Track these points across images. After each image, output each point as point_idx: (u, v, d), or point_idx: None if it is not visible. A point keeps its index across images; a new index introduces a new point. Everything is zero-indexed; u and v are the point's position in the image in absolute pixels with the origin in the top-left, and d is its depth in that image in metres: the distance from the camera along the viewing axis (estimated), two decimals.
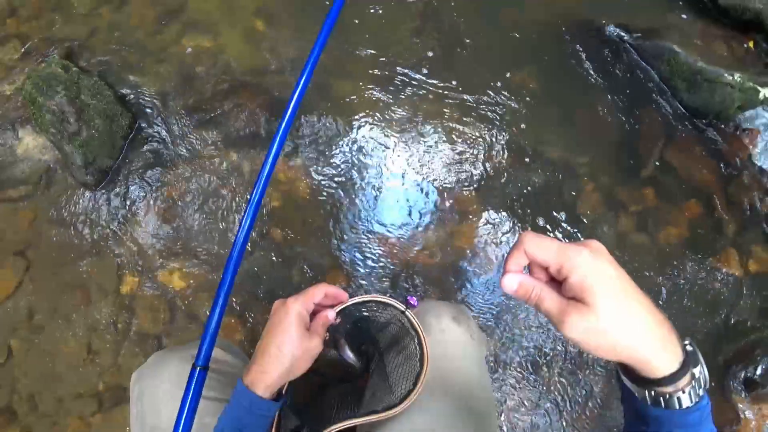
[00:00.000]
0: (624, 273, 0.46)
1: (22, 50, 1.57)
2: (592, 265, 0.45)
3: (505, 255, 0.89)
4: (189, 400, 0.62)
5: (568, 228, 1.51)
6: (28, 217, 1.44)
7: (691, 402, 0.45)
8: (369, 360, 0.83)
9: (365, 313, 0.79)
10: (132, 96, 1.57)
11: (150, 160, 1.52)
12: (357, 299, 0.76)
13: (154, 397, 0.77)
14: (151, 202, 1.49)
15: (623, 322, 0.43)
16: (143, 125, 1.55)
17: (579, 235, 1.51)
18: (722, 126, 1.53)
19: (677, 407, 0.45)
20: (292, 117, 0.73)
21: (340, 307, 0.74)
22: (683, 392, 0.45)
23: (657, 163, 1.57)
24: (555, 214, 1.52)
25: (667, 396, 0.45)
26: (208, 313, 1.37)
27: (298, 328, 0.66)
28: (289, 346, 0.65)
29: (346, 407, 0.78)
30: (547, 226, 1.51)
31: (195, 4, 1.71)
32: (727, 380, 1.39)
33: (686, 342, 0.47)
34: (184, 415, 0.62)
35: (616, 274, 0.45)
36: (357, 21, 1.68)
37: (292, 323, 0.66)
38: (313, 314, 0.72)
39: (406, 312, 0.75)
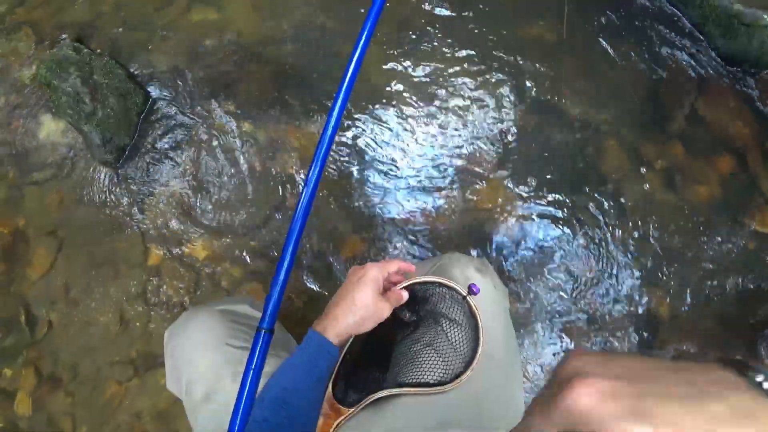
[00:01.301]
0: None
1: (35, 37, 1.60)
2: None
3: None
4: (255, 360, 0.66)
5: (592, 189, 1.45)
6: (55, 199, 1.52)
7: None
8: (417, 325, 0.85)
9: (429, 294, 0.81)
10: (143, 73, 1.59)
11: (165, 135, 1.55)
12: (424, 278, 0.80)
13: (185, 349, 0.82)
14: (170, 176, 1.53)
15: None
16: (156, 101, 1.58)
17: (603, 194, 1.45)
18: (761, 74, 1.39)
19: None
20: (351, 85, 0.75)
21: (407, 283, 0.79)
22: None
23: (686, 117, 1.47)
24: (578, 174, 1.47)
25: None
26: (227, 279, 1.43)
27: (373, 290, 0.71)
28: (363, 302, 0.70)
29: (382, 373, 0.83)
30: (570, 188, 1.46)
31: None
32: (758, 345, 1.35)
33: None
34: (250, 375, 0.66)
35: None
36: None
37: (367, 283, 0.71)
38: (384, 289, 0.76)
39: (468, 298, 0.77)
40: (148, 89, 1.58)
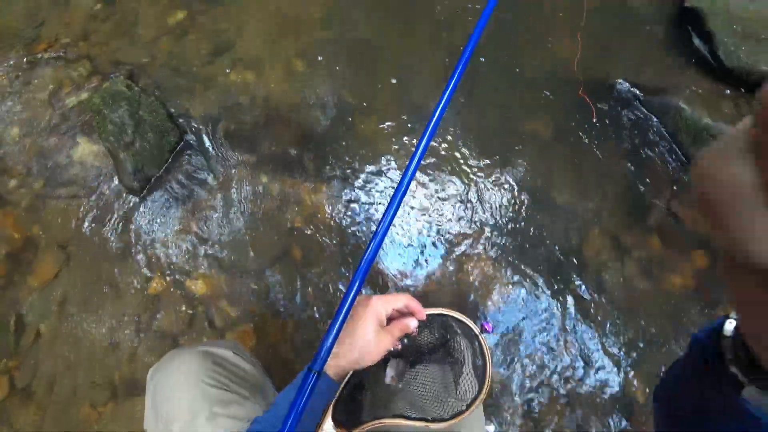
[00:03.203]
0: None
1: (91, 69, 1.78)
2: None
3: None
4: (303, 401, 0.63)
5: (574, 272, 1.56)
6: (74, 215, 1.58)
7: None
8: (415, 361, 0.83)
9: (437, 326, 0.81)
10: (181, 116, 1.75)
11: (190, 174, 1.66)
12: (436, 311, 0.77)
13: (165, 387, 0.83)
14: (187, 212, 1.61)
15: None
16: (188, 142, 1.71)
17: (584, 276, 1.56)
18: None
19: None
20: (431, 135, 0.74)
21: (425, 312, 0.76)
22: None
23: (663, 213, 1.64)
24: (561, 256, 1.58)
25: None
26: (221, 317, 1.46)
27: (374, 324, 0.70)
28: (362, 339, 0.69)
29: (381, 406, 0.80)
30: (554, 268, 1.56)
31: (244, 42, 1.91)
32: None
33: None
34: (292, 415, 0.63)
35: None
36: (388, 64, 1.85)
37: (369, 319, 0.70)
38: (389, 320, 0.75)
39: (480, 336, 0.76)
40: (183, 132, 1.72)
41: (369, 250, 0.65)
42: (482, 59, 1.86)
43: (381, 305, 0.71)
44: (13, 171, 1.63)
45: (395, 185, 1.63)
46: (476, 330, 0.76)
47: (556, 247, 1.59)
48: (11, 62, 1.79)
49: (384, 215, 0.67)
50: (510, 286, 1.53)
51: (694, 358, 0.47)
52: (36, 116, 1.71)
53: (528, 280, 1.54)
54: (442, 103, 0.73)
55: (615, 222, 1.63)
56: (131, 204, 1.60)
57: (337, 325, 0.66)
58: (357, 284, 0.66)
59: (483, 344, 0.76)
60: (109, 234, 1.57)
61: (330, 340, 0.66)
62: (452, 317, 0.78)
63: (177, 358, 0.87)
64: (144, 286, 1.52)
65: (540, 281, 1.54)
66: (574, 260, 1.58)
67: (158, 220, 1.59)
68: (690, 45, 1.82)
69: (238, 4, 1.99)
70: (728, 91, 1.70)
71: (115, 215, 1.59)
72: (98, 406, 1.37)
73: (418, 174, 1.67)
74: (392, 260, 1.56)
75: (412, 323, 0.73)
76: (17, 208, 1.59)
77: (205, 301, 1.51)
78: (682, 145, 1.64)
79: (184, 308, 1.50)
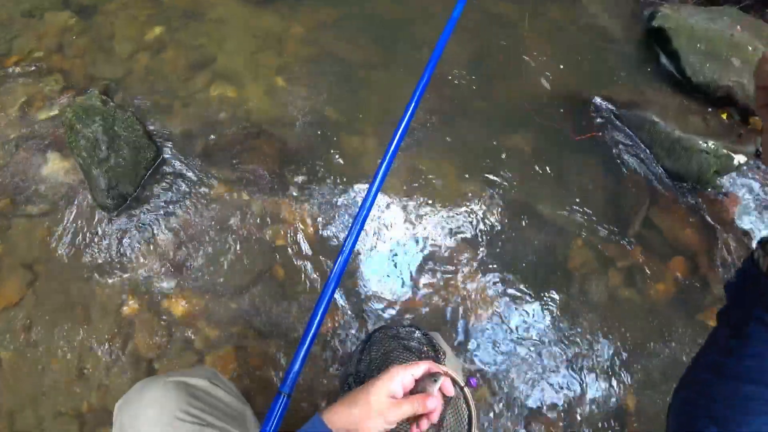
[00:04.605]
0: None
1: (63, 83, 1.71)
2: None
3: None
4: (273, 424, 0.63)
5: (559, 283, 1.56)
6: (42, 233, 1.49)
7: None
8: None
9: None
10: (159, 133, 1.70)
11: (167, 192, 1.60)
12: (435, 368, 0.77)
13: (135, 424, 0.76)
14: (163, 231, 1.54)
15: None
16: (166, 159, 1.66)
17: (569, 287, 1.56)
18: (703, 190, 1.65)
19: None
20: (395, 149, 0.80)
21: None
22: None
23: (643, 223, 1.68)
24: (547, 268, 1.59)
25: None
26: (200, 339, 1.38)
27: (388, 392, 0.67)
28: (376, 406, 0.66)
29: None
30: (540, 281, 1.56)
31: (224, 58, 1.89)
32: None
33: None
34: None
35: None
36: (368, 82, 1.86)
37: (382, 386, 0.67)
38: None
39: (465, 389, 0.76)
40: (161, 148, 1.66)
41: (334, 271, 0.68)
42: (458, 74, 1.90)
43: (401, 378, 0.68)
44: None
45: (383, 202, 1.63)
46: (461, 383, 0.76)
47: (542, 261, 1.60)
48: None
49: (347, 236, 0.70)
50: (495, 301, 1.52)
51: (737, 285, 0.55)
52: (4, 130, 1.62)
53: (514, 293, 1.54)
54: (409, 111, 0.77)
55: (598, 234, 1.66)
56: (105, 222, 1.52)
57: (304, 347, 0.67)
58: (323, 306, 0.69)
59: (468, 396, 0.77)
60: (80, 254, 1.48)
61: (298, 363, 0.66)
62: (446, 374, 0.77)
63: (147, 390, 0.79)
64: (117, 308, 1.43)
65: (526, 293, 1.54)
66: (560, 273, 1.59)
67: (133, 239, 1.52)
68: (658, 62, 1.92)
69: (218, 19, 1.99)
70: (696, 106, 1.79)
71: (88, 234, 1.51)
72: None
73: (400, 189, 1.67)
74: (371, 277, 1.53)
75: (432, 403, 0.67)
76: None
77: (183, 322, 1.43)
78: (658, 157, 1.70)
79: (160, 331, 1.42)
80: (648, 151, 1.73)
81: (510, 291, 1.53)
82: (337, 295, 1.48)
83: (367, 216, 0.77)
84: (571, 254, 1.62)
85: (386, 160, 0.75)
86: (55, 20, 1.87)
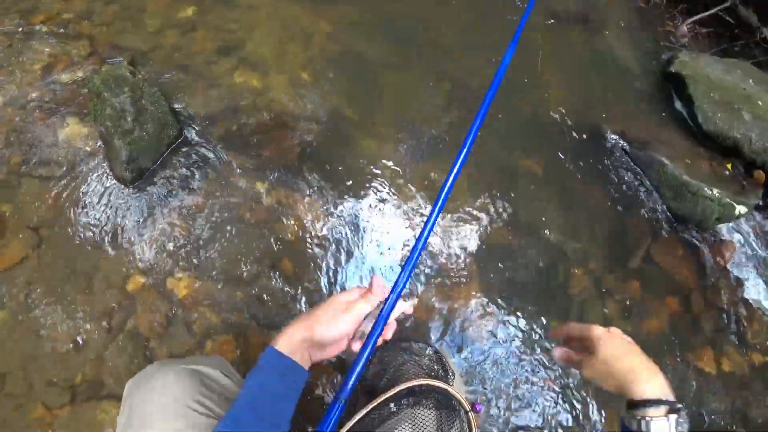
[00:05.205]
0: (632, 341, 0.82)
1: (90, 49, 1.69)
2: (604, 336, 0.81)
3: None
4: (330, 425, 0.65)
5: (559, 306, 1.60)
6: (53, 197, 1.45)
7: None
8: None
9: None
10: (182, 112, 1.68)
11: (185, 172, 1.58)
12: (433, 382, 0.80)
13: (146, 409, 0.74)
14: (176, 210, 1.52)
15: (616, 360, 0.77)
16: (187, 139, 1.64)
17: (568, 313, 1.60)
18: (703, 234, 1.72)
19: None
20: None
21: (417, 383, 0.78)
22: (659, 419, 0.67)
23: (643, 259, 1.73)
24: (547, 292, 1.62)
25: (647, 419, 0.67)
26: (201, 324, 1.37)
27: (342, 302, 0.73)
28: (323, 309, 0.72)
29: None
30: (540, 302, 1.59)
31: (252, 45, 1.89)
32: None
33: (679, 404, 0.70)
34: None
35: (621, 341, 0.81)
36: (388, 85, 1.89)
37: (338, 297, 0.74)
38: None
39: (470, 413, 0.79)
40: (183, 127, 1.65)
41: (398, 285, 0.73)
42: (476, 92, 1.93)
43: (348, 296, 0.75)
44: None
45: (387, 203, 1.65)
46: (467, 407, 0.80)
47: (543, 283, 1.63)
48: (5, 29, 1.67)
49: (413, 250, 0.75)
50: (496, 320, 1.54)
51: None
52: (24, 88, 1.59)
53: (514, 314, 1.56)
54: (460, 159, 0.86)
55: (599, 264, 1.70)
56: (118, 194, 1.50)
57: (367, 351, 0.69)
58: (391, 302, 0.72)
59: (473, 421, 0.80)
60: (89, 222, 1.45)
61: (358, 369, 0.69)
62: (446, 390, 0.81)
63: (161, 375, 0.77)
64: (122, 282, 1.40)
65: (525, 315, 1.56)
66: (559, 297, 1.62)
67: (145, 215, 1.49)
68: (672, 105, 1.99)
69: (249, 6, 1.98)
70: (705, 152, 1.86)
71: (99, 203, 1.48)
72: (54, 408, 1.23)
73: (409, 197, 1.69)
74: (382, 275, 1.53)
75: (375, 289, 0.74)
76: None
77: (185, 305, 1.41)
78: (664, 197, 1.76)
79: (162, 310, 1.39)
80: (655, 190, 1.78)
81: (509, 310, 1.56)
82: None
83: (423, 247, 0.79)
84: (571, 281, 1.66)
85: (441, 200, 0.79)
86: None
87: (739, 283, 1.71)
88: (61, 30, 1.72)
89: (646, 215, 1.78)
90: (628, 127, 1.94)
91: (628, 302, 1.66)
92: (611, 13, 2.44)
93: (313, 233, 1.57)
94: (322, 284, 1.49)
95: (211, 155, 1.63)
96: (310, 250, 1.54)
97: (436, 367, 0.93)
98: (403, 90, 1.90)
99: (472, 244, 1.64)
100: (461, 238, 1.64)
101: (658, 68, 2.15)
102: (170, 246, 1.47)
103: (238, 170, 1.62)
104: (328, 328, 0.70)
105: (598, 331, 0.82)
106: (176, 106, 1.68)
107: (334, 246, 1.56)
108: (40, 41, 1.68)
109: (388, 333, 0.74)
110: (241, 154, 1.66)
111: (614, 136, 1.90)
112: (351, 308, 0.72)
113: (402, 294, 0.75)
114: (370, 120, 1.81)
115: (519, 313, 1.56)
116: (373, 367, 0.94)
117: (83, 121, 1.56)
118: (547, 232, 1.72)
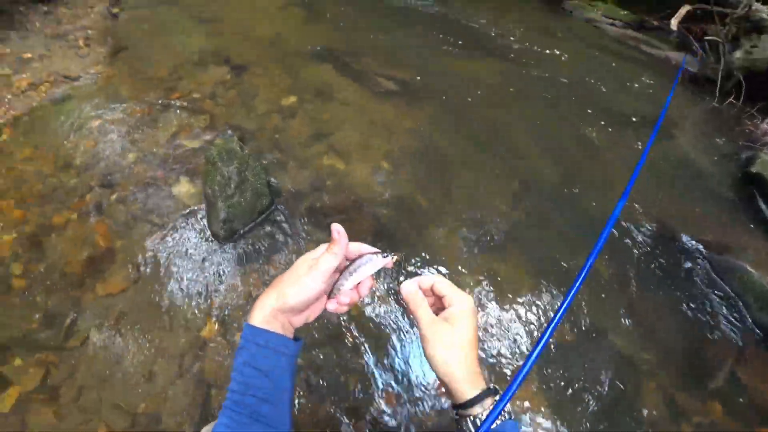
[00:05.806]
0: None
1: (208, 123, 2.00)
2: (468, 309, 0.73)
3: None
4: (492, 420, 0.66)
5: (625, 425, 1.45)
6: (157, 242, 1.65)
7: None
8: None
9: None
10: (275, 185, 1.89)
11: (271, 237, 1.74)
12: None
13: None
14: (258, 270, 1.65)
15: (459, 351, 0.70)
16: (276, 209, 1.82)
17: None
18: None
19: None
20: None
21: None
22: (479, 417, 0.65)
23: (726, 378, 1.57)
24: (612, 407, 1.48)
25: (472, 418, 0.66)
26: None
27: (310, 259, 0.75)
28: (292, 271, 0.73)
29: None
30: (602, 421, 1.45)
31: (341, 134, 2.13)
32: None
33: (491, 385, 0.70)
34: None
35: (473, 325, 0.73)
36: (460, 179, 2.00)
37: (306, 256, 0.76)
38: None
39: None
40: (274, 199, 1.84)
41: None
42: (548, 191, 1.99)
43: (313, 254, 0.76)
44: (119, 188, 1.76)
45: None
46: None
47: (609, 396, 1.50)
48: (149, 100, 2.04)
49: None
50: (551, 423, 1.43)
51: None
52: (153, 149, 1.89)
53: (574, 425, 1.44)
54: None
55: (673, 379, 1.55)
56: (212, 249, 1.67)
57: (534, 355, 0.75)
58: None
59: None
60: (182, 268, 1.61)
61: (525, 369, 0.73)
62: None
63: None
64: (199, 327, 1.50)
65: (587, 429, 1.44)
66: (626, 413, 1.47)
67: (230, 270, 1.63)
68: (754, 207, 1.91)
69: (343, 101, 2.27)
70: None
71: (195, 253, 1.65)
72: (115, 430, 1.29)
73: (470, 287, 1.70)
74: (412, 363, 1.51)
75: (336, 249, 0.74)
76: (111, 219, 1.68)
77: None
78: (749, 307, 1.65)
79: (229, 360, 1.46)
80: (738, 299, 1.68)
81: (567, 418, 1.44)
82: (375, 371, 1.49)
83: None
84: (641, 395, 1.52)
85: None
86: (216, 72, 2.24)
87: None
88: (190, 105, 2.07)
89: (727, 327, 1.66)
90: (705, 230, 1.89)
91: (707, 427, 1.47)
92: (685, 114, 2.49)
93: (375, 311, 1.61)
94: (370, 369, 1.48)
95: (293, 227, 1.78)
96: (369, 330, 1.57)
97: None
98: (474, 185, 2.02)
99: (527, 341, 1.59)
100: (518, 340, 1.59)
101: (736, 169, 2.11)
102: (246, 303, 1.57)
103: (315, 243, 1.74)
104: (298, 291, 0.71)
105: (462, 298, 0.75)
106: (271, 179, 1.89)
107: (392, 325, 1.58)
108: (173, 113, 2.03)
109: (363, 289, 0.77)
110: (321, 229, 1.79)
111: (691, 241, 1.85)
112: (316, 265, 0.72)
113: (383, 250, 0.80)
114: (439, 210, 1.91)
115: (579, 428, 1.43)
116: None
117: (193, 182, 1.80)
118: (613, 337, 1.62)
